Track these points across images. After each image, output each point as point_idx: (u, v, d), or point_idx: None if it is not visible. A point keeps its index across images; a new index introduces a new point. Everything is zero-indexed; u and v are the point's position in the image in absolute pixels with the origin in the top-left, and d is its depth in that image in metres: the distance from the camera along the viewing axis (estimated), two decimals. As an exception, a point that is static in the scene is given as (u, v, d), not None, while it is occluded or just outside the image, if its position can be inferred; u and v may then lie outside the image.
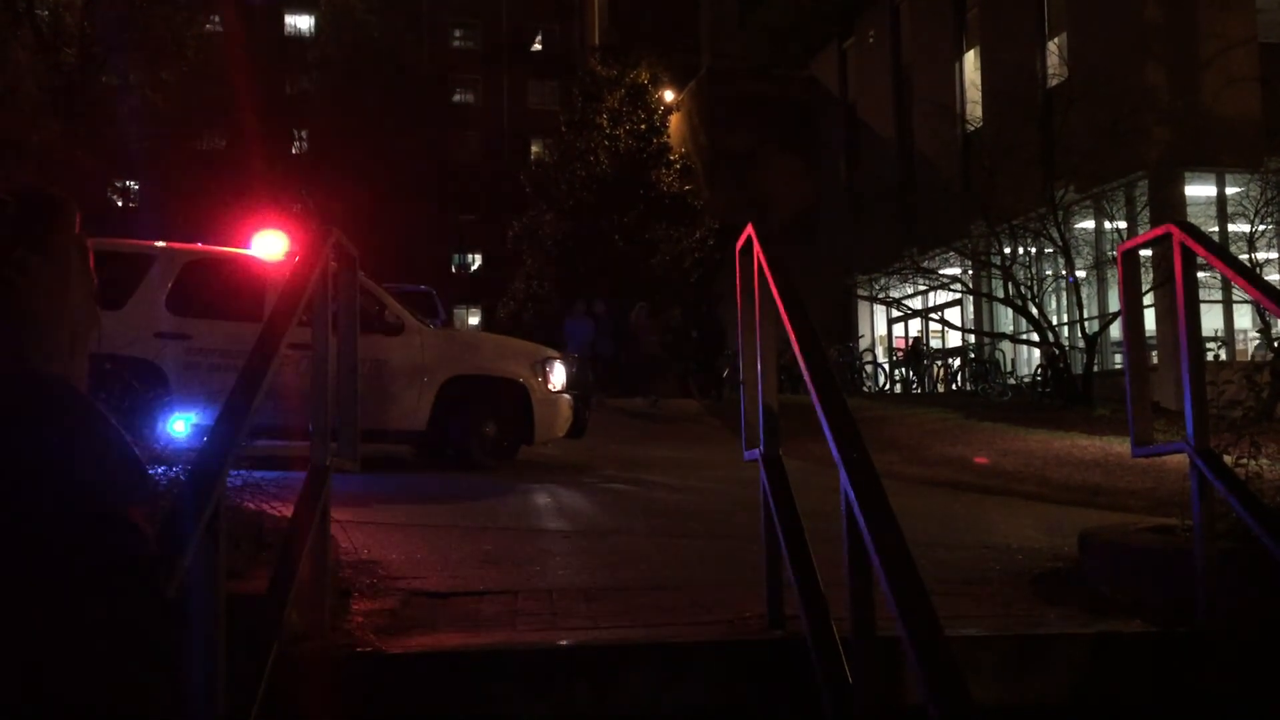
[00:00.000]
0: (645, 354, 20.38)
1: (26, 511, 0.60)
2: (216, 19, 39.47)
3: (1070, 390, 17.36)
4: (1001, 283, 19.50)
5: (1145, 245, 5.57)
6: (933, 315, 26.20)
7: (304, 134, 47.44)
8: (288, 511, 4.07)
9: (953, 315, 26.05)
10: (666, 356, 22.48)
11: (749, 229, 3.97)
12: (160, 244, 10.01)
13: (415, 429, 9.62)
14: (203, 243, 11.03)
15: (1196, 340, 4.20)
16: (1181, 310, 4.21)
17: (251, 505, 4.42)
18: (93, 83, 28.72)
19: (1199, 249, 4.23)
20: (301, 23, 50.23)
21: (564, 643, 3.66)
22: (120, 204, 40.96)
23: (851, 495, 2.68)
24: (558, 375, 10.29)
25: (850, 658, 2.91)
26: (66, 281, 0.69)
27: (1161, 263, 14.55)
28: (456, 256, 52.03)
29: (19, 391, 0.64)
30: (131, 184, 41.78)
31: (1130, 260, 4.98)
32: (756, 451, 3.94)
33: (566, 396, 10.42)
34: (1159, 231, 4.65)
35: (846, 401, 3.05)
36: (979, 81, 25.68)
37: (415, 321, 10.04)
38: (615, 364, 19.99)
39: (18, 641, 0.54)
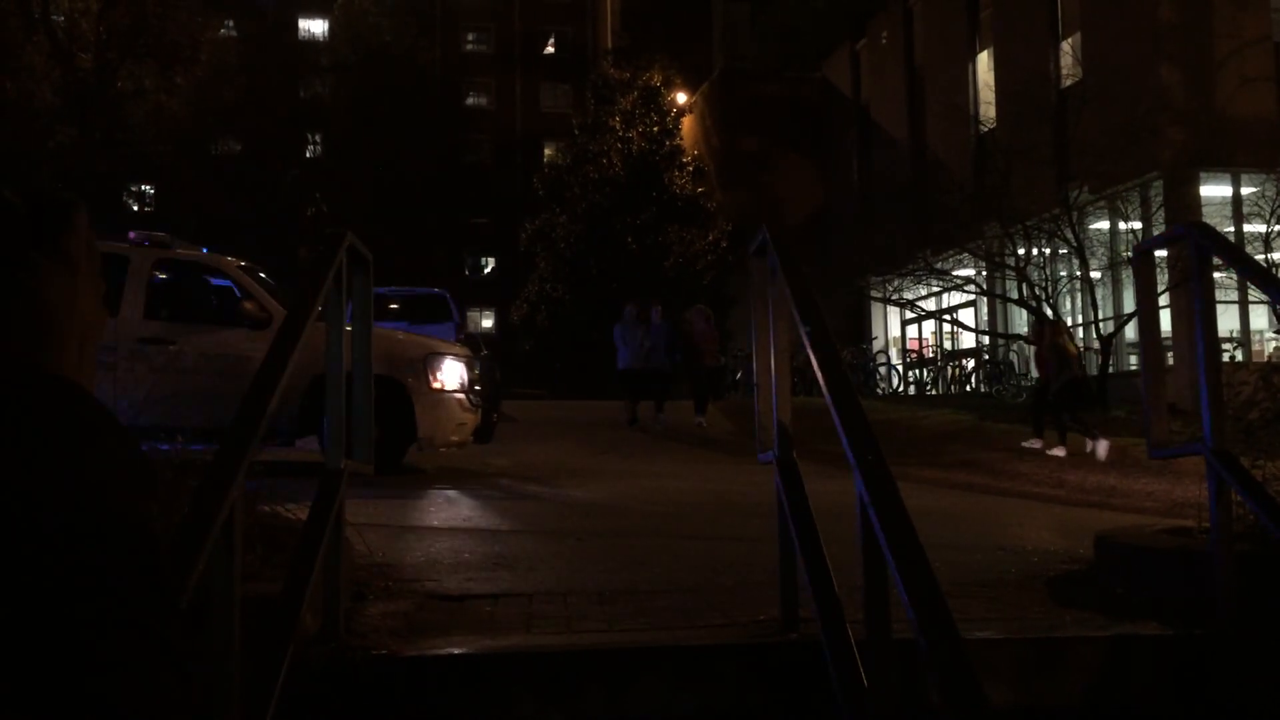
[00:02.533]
0: (707, 365, 16.98)
1: (37, 512, 0.59)
2: (230, 24, 39.68)
3: (1085, 391, 17.29)
4: (1016, 284, 19.46)
5: (1161, 246, 5.55)
6: (946, 317, 26.14)
7: (317, 137, 47.59)
8: (302, 514, 4.08)
9: (966, 317, 26.00)
10: (726, 367, 19.92)
11: (764, 231, 3.96)
12: None
13: (281, 429, 8.73)
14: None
15: (1213, 341, 4.18)
16: (1197, 311, 4.19)
17: (266, 507, 4.43)
18: (107, 88, 28.92)
19: (1215, 250, 4.21)
20: (315, 27, 50.37)
21: (579, 646, 3.66)
22: (135, 208, 41.16)
23: (866, 498, 2.67)
24: (448, 374, 9.41)
25: (865, 660, 2.90)
26: (76, 285, 0.68)
27: (1177, 263, 14.51)
28: (469, 259, 52.09)
29: (28, 392, 0.64)
30: (147, 188, 41.99)
31: (1145, 262, 4.96)
32: (770, 454, 3.93)
33: (458, 397, 9.50)
34: (1175, 232, 4.63)
35: (861, 403, 3.04)
36: (992, 82, 25.62)
37: (284, 312, 9.44)
38: (671, 379, 16.72)
39: (29, 644, 0.54)
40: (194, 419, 7.65)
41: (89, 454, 0.78)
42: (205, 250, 10.23)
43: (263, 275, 10.09)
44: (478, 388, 9.88)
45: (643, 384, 16.17)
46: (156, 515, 0.82)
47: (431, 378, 9.33)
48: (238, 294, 9.34)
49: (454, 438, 9.61)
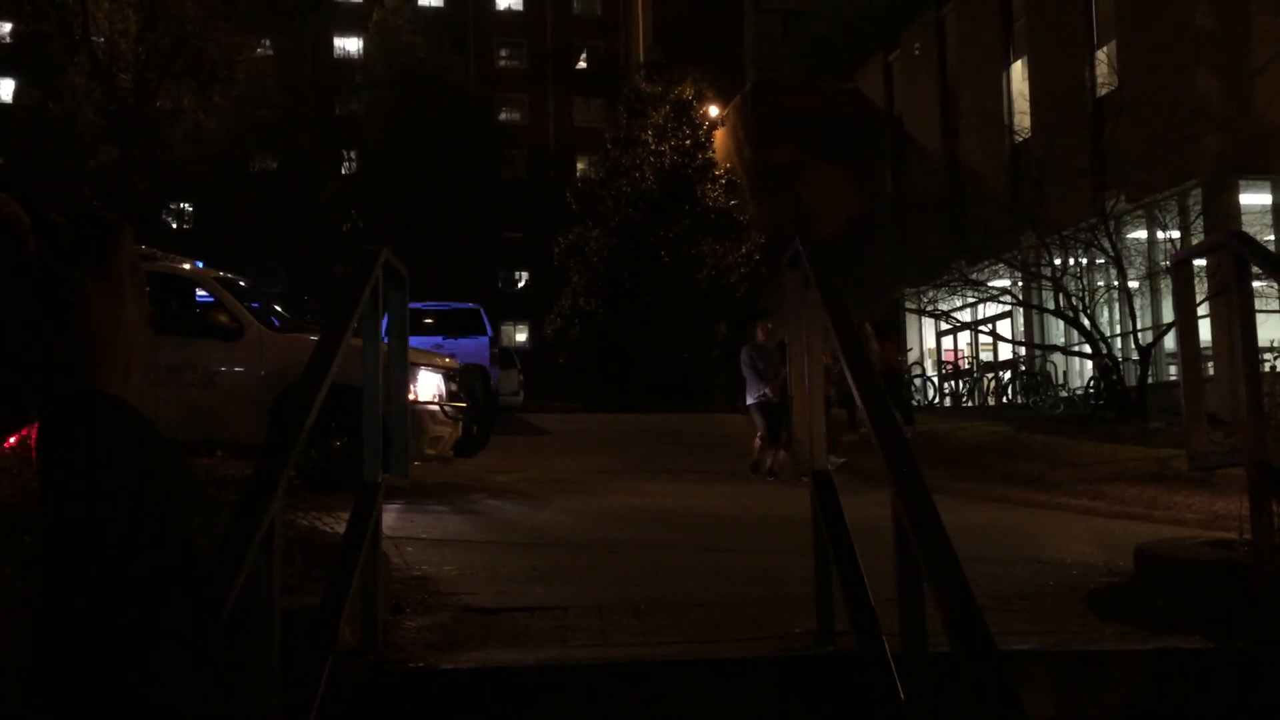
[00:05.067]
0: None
1: (83, 527, 0.61)
2: (266, 43, 40.13)
3: (1124, 403, 17.11)
4: (1052, 294, 19.29)
5: (1199, 255, 5.50)
6: (983, 328, 25.96)
7: (353, 154, 48.01)
8: (339, 527, 4.12)
9: (1003, 328, 25.81)
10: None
11: (797, 242, 3.97)
12: None
13: (253, 442, 8.49)
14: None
15: (1253, 351, 4.14)
16: (1237, 321, 4.15)
17: (304, 521, 4.47)
18: (147, 108, 29.32)
19: (1255, 259, 4.17)
20: (350, 45, 50.86)
21: (615, 659, 3.67)
22: (174, 226, 41.70)
23: (902, 510, 2.66)
24: (423, 385, 9.19)
25: (902, 673, 2.88)
26: (121, 303, 0.70)
27: (1216, 273, 14.34)
28: (503, 274, 52.33)
29: (74, 410, 0.65)
30: (185, 206, 42.52)
31: (1183, 272, 4.92)
32: (806, 466, 3.93)
33: (433, 408, 9.28)
34: (1213, 242, 4.59)
35: (896, 416, 3.04)
36: (1027, 91, 25.47)
37: (258, 323, 9.38)
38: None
39: (74, 658, 0.55)
40: (166, 430, 7.58)
41: (133, 470, 0.80)
42: (200, 265, 10.28)
43: (243, 285, 10.08)
44: (457, 401, 9.65)
45: (781, 419, 12.16)
46: (199, 530, 0.84)
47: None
48: (212, 306, 9.34)
49: (430, 451, 9.27)
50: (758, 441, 12.06)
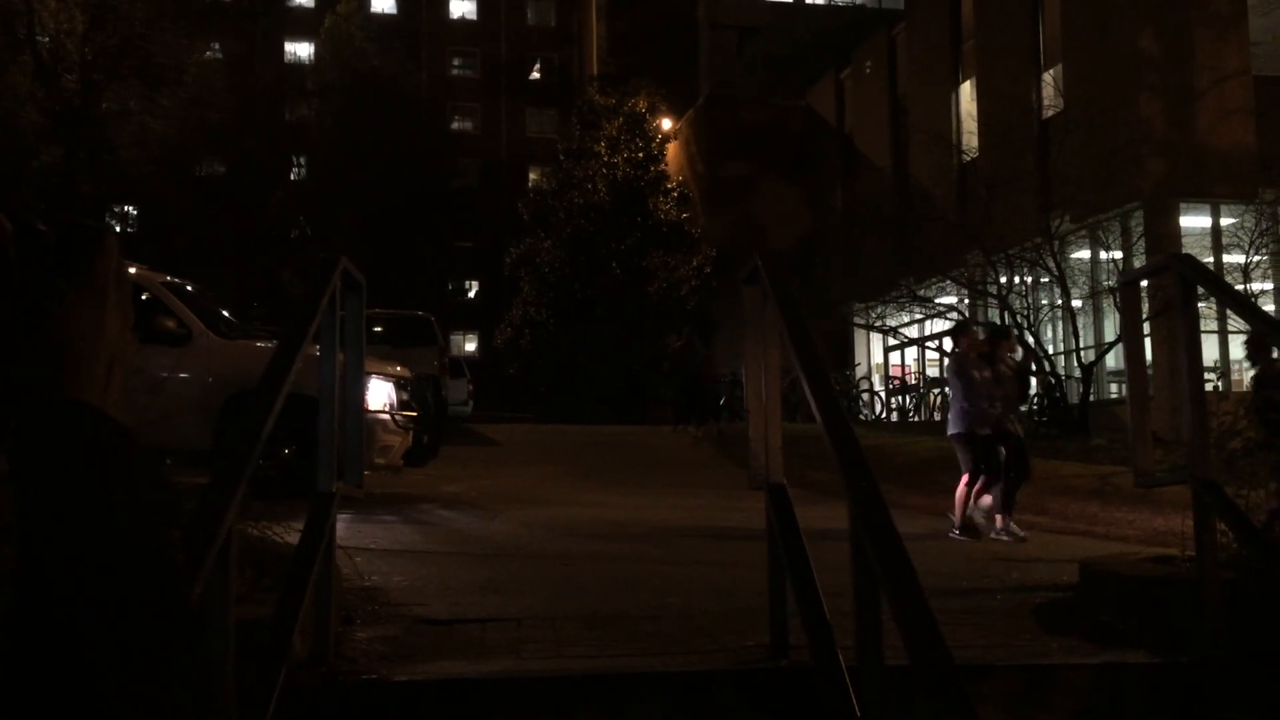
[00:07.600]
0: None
1: (57, 538, 0.60)
2: (215, 46, 39.66)
3: (1067, 419, 17.38)
4: (998, 312, 19.56)
5: (1146, 277, 5.60)
6: (930, 344, 26.26)
7: (302, 160, 47.53)
8: (289, 537, 4.08)
9: (950, 344, 26.10)
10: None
11: (757, 258, 3.99)
12: None
13: (200, 449, 8.48)
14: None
15: (1198, 371, 4.22)
16: (1183, 342, 4.23)
17: (255, 531, 4.41)
18: (92, 109, 28.84)
19: (1199, 281, 4.26)
20: (301, 50, 50.39)
21: (568, 672, 3.66)
22: (119, 229, 41.02)
23: (859, 523, 2.68)
24: (373, 394, 9.08)
25: (857, 687, 2.91)
26: (104, 313, 0.69)
27: (1159, 293, 14.63)
28: (454, 283, 52.03)
29: (52, 419, 0.64)
30: (130, 209, 41.87)
31: (1130, 293, 5.01)
32: (761, 479, 3.95)
33: (382, 418, 9.28)
34: (1160, 264, 4.68)
35: (853, 429, 3.07)
36: (975, 112, 25.84)
37: (205, 329, 9.33)
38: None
39: (46, 674, 0.54)
40: None
41: (109, 481, 0.79)
42: (146, 269, 10.13)
43: (190, 290, 9.95)
44: (408, 411, 9.61)
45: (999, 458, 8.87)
46: (178, 542, 0.83)
47: None
48: (158, 310, 9.22)
49: (379, 460, 9.24)
50: (962, 488, 8.71)
